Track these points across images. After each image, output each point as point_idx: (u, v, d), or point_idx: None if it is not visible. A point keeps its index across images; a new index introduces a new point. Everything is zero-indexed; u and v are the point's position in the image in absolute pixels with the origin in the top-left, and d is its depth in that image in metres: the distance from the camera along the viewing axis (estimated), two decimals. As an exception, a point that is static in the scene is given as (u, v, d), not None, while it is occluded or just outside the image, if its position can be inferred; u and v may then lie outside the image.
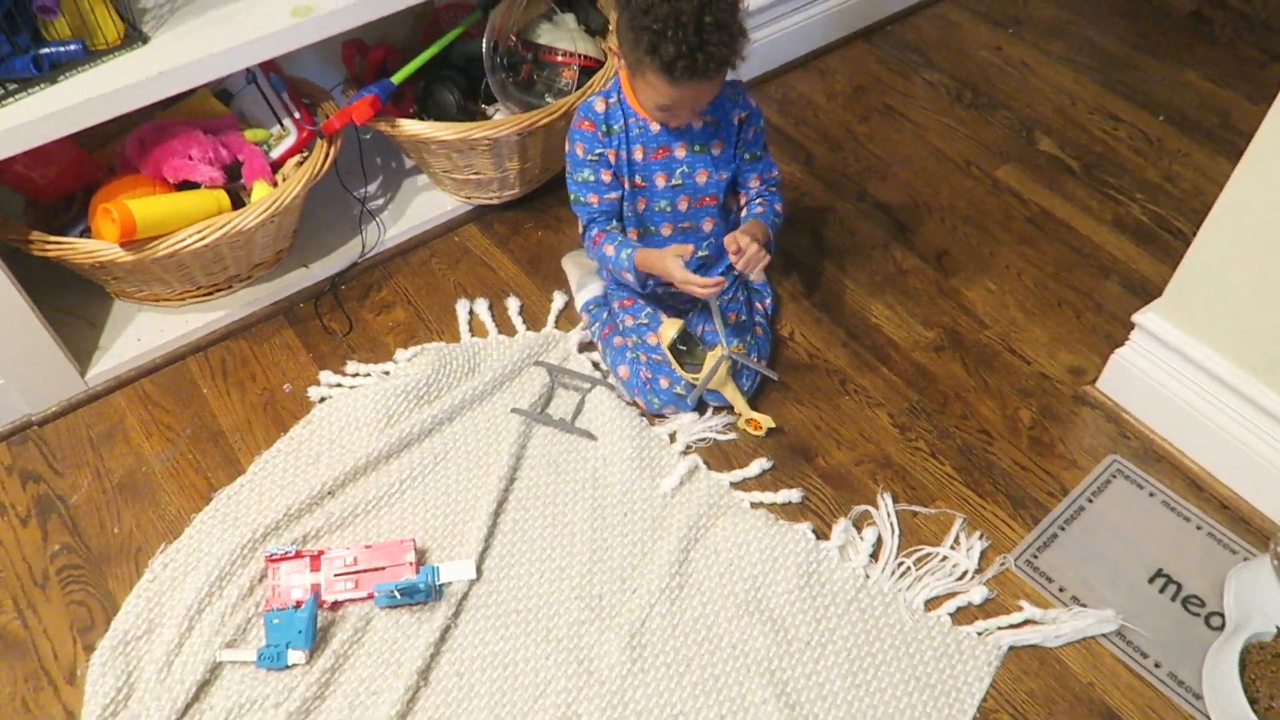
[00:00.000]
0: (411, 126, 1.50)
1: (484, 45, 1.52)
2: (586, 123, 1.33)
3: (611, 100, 1.33)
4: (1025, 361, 1.53)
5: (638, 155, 1.35)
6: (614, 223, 1.38)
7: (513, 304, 1.61)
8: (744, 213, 1.41)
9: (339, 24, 1.39)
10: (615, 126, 1.33)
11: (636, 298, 1.50)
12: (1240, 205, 1.21)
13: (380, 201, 1.76)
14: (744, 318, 1.49)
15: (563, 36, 1.65)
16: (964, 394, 1.49)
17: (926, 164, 1.84)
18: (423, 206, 1.75)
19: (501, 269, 1.69)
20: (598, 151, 1.34)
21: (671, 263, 1.28)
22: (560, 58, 1.65)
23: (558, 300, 1.62)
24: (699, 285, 1.28)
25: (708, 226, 1.43)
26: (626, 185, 1.36)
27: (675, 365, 1.39)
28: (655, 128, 1.33)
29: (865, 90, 2.00)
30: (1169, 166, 1.81)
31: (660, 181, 1.38)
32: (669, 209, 1.40)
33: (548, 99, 1.64)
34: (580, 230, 1.42)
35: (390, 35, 1.69)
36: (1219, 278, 1.27)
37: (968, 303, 1.61)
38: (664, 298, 1.49)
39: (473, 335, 1.58)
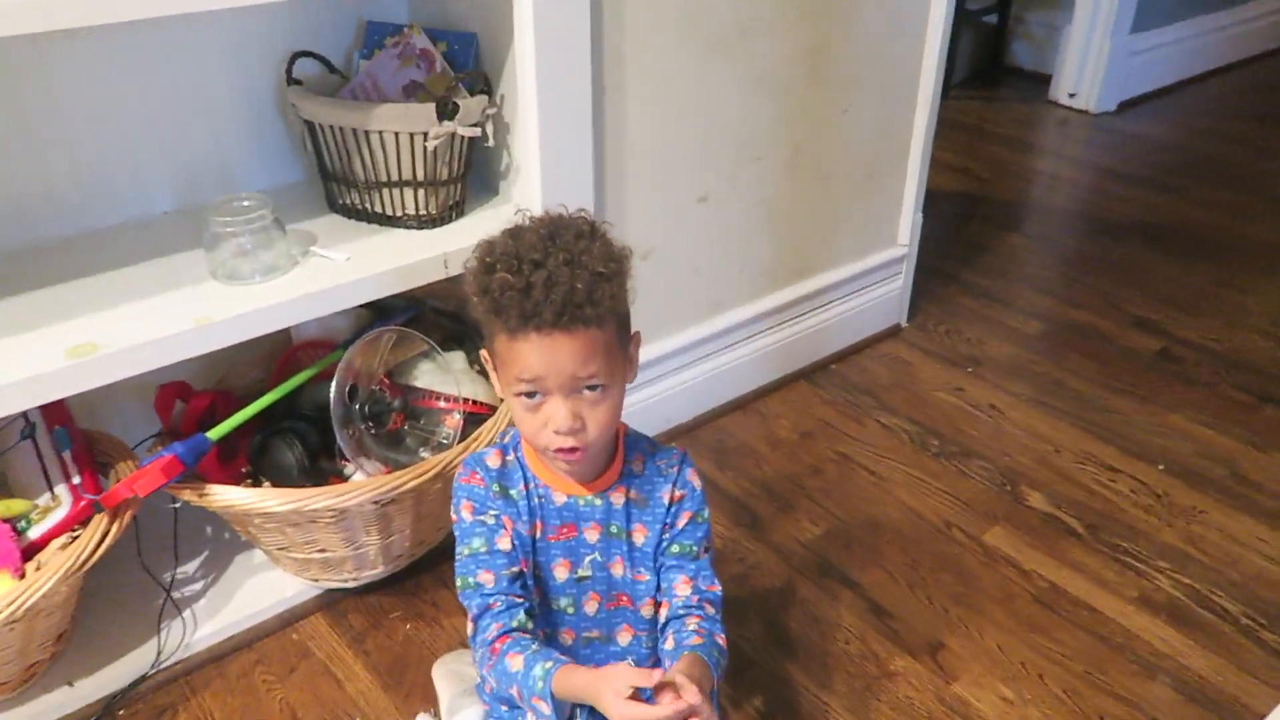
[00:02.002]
0: (226, 495, 1.12)
1: (333, 392, 1.18)
2: (475, 477, 0.97)
3: (509, 458, 0.98)
4: (1077, 812, 1.09)
5: (534, 532, 0.97)
6: (521, 617, 0.94)
7: (358, 736, 1.15)
8: (668, 641, 0.98)
9: (130, 367, 1.04)
10: (513, 490, 0.97)
11: (529, 732, 1.06)
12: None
13: (197, 586, 1.33)
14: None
15: (447, 379, 1.34)
16: None
17: (898, 526, 1.50)
18: (255, 592, 1.32)
19: (351, 680, 1.24)
20: (492, 513, 0.96)
21: (610, 699, 0.83)
22: (442, 403, 1.33)
23: (422, 730, 1.16)
24: None
25: (623, 639, 1.02)
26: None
27: None
28: (559, 497, 0.97)
29: (813, 436, 1.71)
30: (1186, 527, 1.50)
31: (561, 572, 0.99)
32: (572, 610, 1.00)
33: (423, 454, 1.29)
34: (469, 630, 0.97)
35: (231, 378, 1.36)
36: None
37: (981, 719, 1.20)
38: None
39: (293, 790, 1.10)
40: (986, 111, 3.22)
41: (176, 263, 1.21)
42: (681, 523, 1.00)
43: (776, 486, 1.59)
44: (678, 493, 1.00)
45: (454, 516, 0.98)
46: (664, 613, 1.04)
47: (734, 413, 1.76)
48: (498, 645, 0.91)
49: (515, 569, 0.95)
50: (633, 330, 0.93)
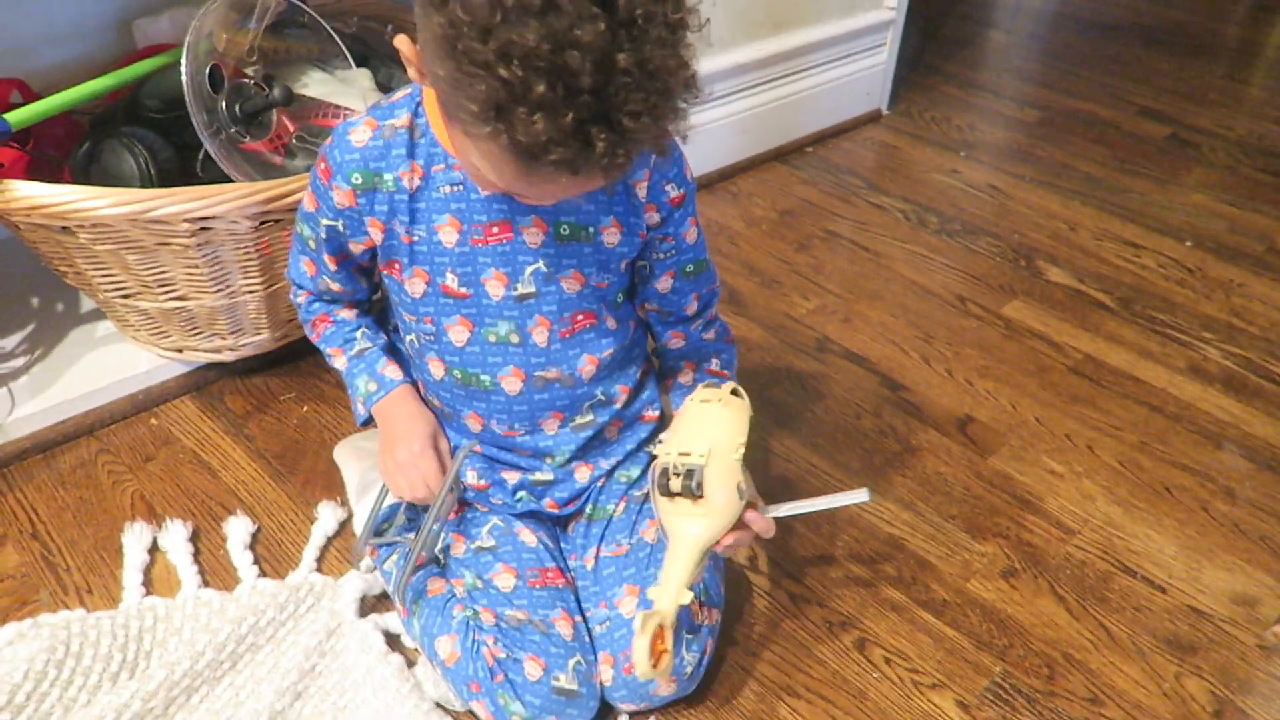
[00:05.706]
0: (31, 192, 0.79)
1: (185, 66, 0.85)
2: (321, 166, 0.70)
3: (399, 122, 0.68)
4: (1157, 588, 0.88)
5: (448, 236, 0.69)
6: (361, 329, 0.81)
7: (238, 529, 0.87)
8: (685, 375, 0.82)
9: None
10: (387, 177, 0.68)
11: (477, 487, 0.80)
12: None
13: (17, 357, 1.01)
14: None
15: (349, 93, 1.02)
16: (1077, 652, 0.82)
17: (903, 301, 1.26)
18: (97, 367, 1.01)
19: (229, 469, 0.95)
20: (325, 221, 0.71)
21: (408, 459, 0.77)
22: (342, 119, 1.01)
23: (326, 517, 0.88)
24: None
25: (586, 370, 0.76)
26: (420, 291, 0.71)
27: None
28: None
29: (795, 215, 1.44)
30: (1227, 300, 1.29)
31: (496, 288, 0.71)
32: (515, 339, 0.73)
33: (317, 178, 0.98)
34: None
35: (62, 78, 1.01)
36: None
37: (1028, 493, 0.98)
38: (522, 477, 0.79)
39: (148, 595, 0.81)
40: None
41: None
42: (688, 233, 0.75)
43: (758, 263, 1.33)
44: (675, 192, 0.74)
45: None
46: (674, 341, 0.82)
47: (699, 192, 1.48)
48: (319, 322, 0.81)
49: (338, 286, 0.78)
50: None
